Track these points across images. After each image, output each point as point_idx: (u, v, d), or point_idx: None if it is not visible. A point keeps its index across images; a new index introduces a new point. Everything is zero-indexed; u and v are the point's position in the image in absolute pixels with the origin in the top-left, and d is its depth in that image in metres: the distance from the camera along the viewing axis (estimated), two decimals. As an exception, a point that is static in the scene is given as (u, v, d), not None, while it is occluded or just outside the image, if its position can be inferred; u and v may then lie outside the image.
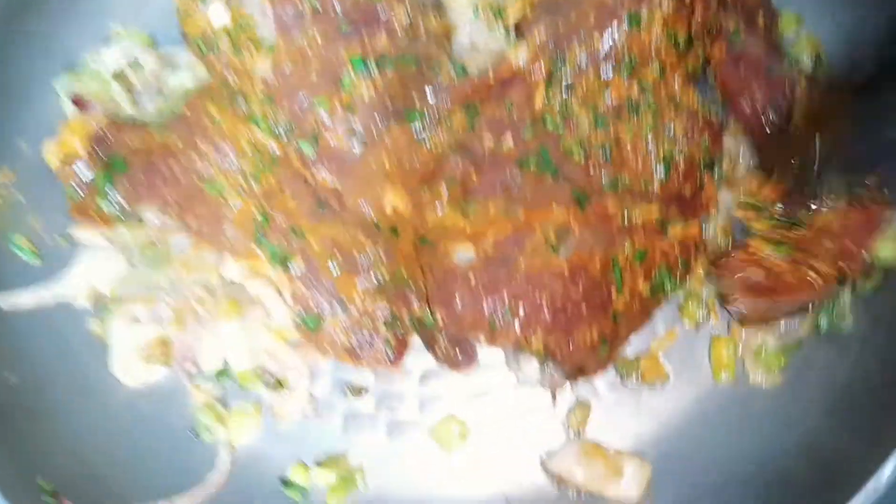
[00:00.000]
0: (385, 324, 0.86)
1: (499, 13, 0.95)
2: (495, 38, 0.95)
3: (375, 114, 0.91)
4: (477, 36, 0.96)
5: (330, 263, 0.87)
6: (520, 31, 0.93)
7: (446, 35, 0.96)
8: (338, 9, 0.94)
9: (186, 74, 0.99)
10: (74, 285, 0.87)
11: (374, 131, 0.91)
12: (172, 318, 0.85)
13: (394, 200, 0.88)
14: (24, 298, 0.84)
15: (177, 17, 0.98)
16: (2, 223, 0.85)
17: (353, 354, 0.87)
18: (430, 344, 0.88)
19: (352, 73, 0.92)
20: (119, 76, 0.96)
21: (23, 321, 0.83)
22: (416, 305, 0.87)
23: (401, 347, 0.88)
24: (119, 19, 0.99)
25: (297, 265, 0.87)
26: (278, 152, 0.91)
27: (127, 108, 0.96)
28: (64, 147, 0.89)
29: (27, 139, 0.89)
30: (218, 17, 0.94)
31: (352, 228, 0.88)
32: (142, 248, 0.87)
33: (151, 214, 0.89)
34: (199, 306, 0.85)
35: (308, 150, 0.91)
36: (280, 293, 0.87)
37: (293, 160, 0.91)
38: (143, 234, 0.88)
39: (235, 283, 0.87)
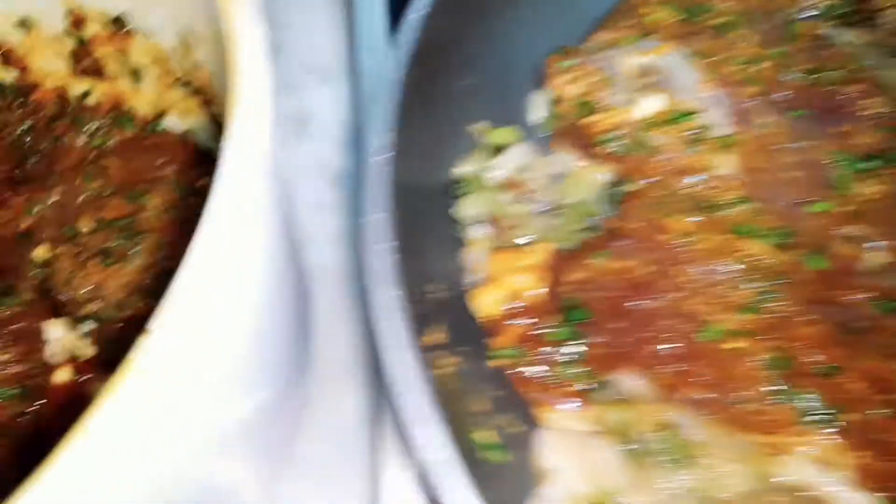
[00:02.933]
0: None
1: None
2: None
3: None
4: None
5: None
6: None
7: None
8: (782, 95, 0.76)
9: (578, 183, 0.77)
10: (558, 492, 0.59)
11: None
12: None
13: None
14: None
15: (554, 112, 0.78)
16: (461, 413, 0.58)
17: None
18: None
19: (841, 171, 0.73)
20: (508, 186, 0.73)
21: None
22: None
23: None
24: (482, 119, 0.78)
25: (844, 419, 0.62)
26: (778, 267, 0.68)
27: (526, 228, 0.72)
28: (500, 290, 0.63)
29: (439, 284, 0.64)
30: (647, 106, 0.73)
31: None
32: (645, 437, 0.61)
33: (635, 382, 0.64)
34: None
35: (817, 263, 0.69)
36: (849, 480, 0.61)
37: (803, 278, 0.69)
38: (645, 412, 0.61)
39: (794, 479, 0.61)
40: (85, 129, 0.81)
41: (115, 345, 0.70)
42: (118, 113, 0.85)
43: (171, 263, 0.67)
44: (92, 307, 0.68)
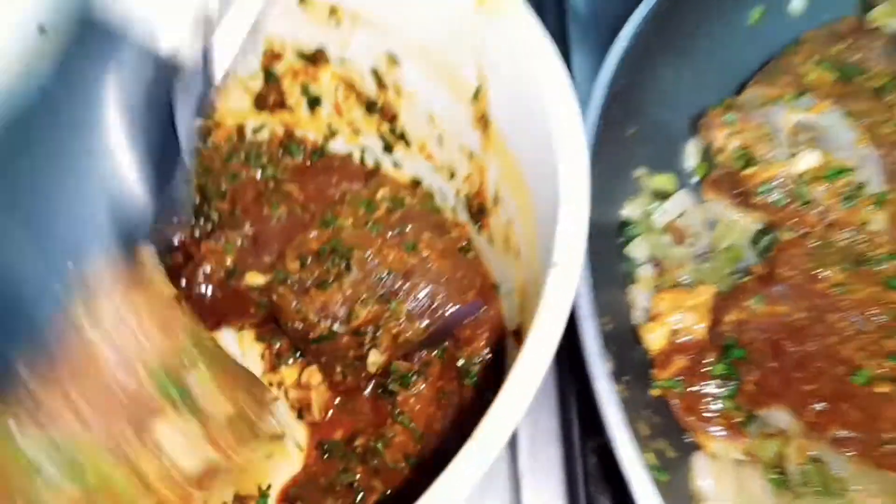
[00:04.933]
0: None
1: None
2: None
3: None
4: None
5: None
6: None
7: None
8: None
9: (731, 229, 0.86)
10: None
11: None
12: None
13: None
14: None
15: (711, 160, 0.88)
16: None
17: None
18: None
19: None
20: (670, 230, 0.83)
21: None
22: None
23: None
24: (643, 165, 0.88)
25: None
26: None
27: (686, 269, 0.82)
28: (668, 327, 0.73)
29: (609, 317, 0.74)
30: (806, 161, 0.82)
31: None
32: (797, 468, 0.69)
33: (783, 416, 0.72)
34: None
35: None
36: None
37: None
38: (794, 446, 0.70)
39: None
40: (258, 163, 0.93)
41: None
42: (290, 141, 0.97)
43: (382, 270, 0.80)
44: (324, 326, 0.80)
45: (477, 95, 0.72)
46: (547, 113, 0.60)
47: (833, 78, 0.87)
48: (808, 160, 0.79)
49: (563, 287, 0.50)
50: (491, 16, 0.66)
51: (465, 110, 0.76)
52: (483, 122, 0.74)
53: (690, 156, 0.90)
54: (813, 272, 0.76)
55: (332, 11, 0.81)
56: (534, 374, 0.46)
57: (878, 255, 0.76)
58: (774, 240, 0.82)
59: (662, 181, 0.84)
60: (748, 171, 0.82)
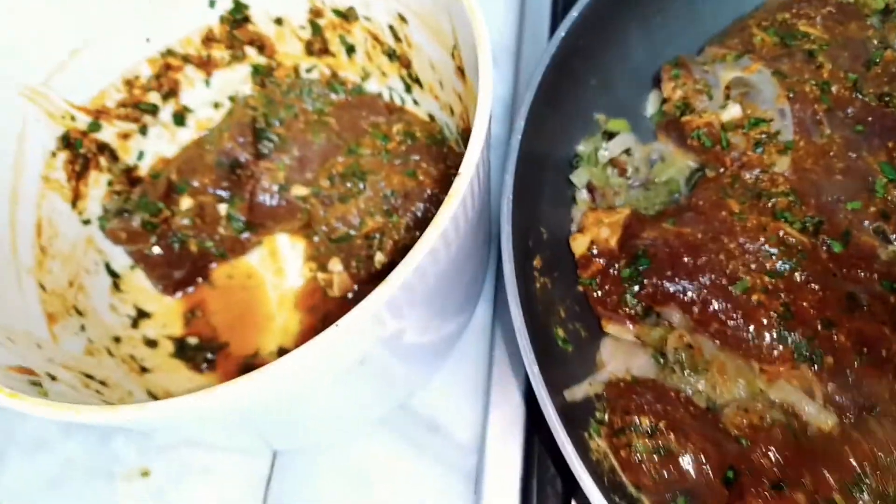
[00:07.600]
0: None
1: None
2: None
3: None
4: None
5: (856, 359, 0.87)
6: None
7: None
8: (850, 111, 1.01)
9: (670, 166, 1.07)
10: (605, 376, 0.93)
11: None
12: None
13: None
14: (576, 392, 0.91)
15: (661, 109, 1.08)
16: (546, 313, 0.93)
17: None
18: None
19: (883, 178, 0.98)
20: (614, 164, 1.06)
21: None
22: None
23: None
24: (602, 110, 1.10)
25: (826, 361, 0.87)
26: (806, 247, 0.95)
27: (622, 196, 1.04)
28: (589, 237, 0.97)
29: (547, 227, 0.98)
30: (730, 112, 1.02)
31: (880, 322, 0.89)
32: (673, 351, 0.92)
33: (675, 313, 0.95)
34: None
35: (837, 247, 0.96)
36: (812, 397, 0.89)
37: (822, 255, 0.95)
38: (675, 334, 0.93)
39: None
40: (309, 97, 1.22)
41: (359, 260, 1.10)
42: (334, 81, 1.25)
43: (388, 188, 1.08)
44: (343, 231, 1.08)
45: (453, 53, 0.96)
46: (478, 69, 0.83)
47: (774, 41, 1.05)
48: (732, 111, 0.99)
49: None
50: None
51: (450, 62, 1.01)
52: (461, 72, 0.98)
53: (651, 105, 1.11)
54: (720, 202, 0.97)
55: (358, -18, 1.06)
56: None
57: (774, 191, 0.96)
58: (702, 177, 1.03)
59: (616, 125, 1.06)
60: (686, 118, 1.03)
